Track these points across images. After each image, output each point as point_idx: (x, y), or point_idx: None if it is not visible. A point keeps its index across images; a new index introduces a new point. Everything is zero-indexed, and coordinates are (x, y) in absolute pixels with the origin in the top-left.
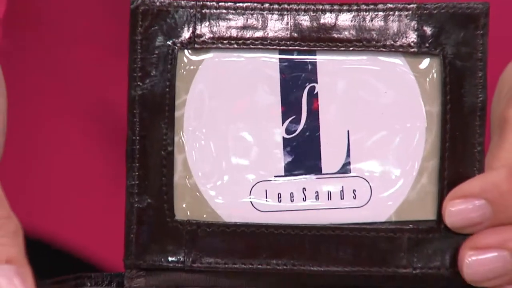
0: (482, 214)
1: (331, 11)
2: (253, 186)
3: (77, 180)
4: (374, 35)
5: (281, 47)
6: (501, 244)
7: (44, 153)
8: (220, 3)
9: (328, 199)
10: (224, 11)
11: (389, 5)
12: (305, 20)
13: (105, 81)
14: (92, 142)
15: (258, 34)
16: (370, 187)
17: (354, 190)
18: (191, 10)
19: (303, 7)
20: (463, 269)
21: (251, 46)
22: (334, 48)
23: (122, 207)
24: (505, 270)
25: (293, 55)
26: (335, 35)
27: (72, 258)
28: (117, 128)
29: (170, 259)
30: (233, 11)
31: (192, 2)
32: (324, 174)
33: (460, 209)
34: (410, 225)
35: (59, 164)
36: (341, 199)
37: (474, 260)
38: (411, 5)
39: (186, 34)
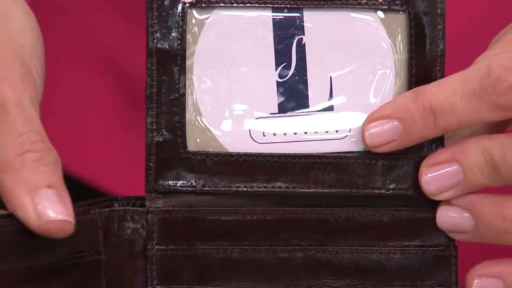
0: (394, 133)
1: None
2: (252, 122)
3: (92, 124)
4: None
5: (274, 5)
6: (451, 158)
7: (64, 99)
8: None
9: (315, 132)
10: None
11: None
12: None
13: (116, 40)
14: (105, 91)
15: None
16: (350, 122)
17: (336, 125)
18: None
19: None
20: (422, 186)
21: (248, 4)
22: (318, 6)
23: (133, 145)
24: (457, 181)
25: (283, 12)
26: None
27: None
28: (127, 79)
29: (183, 184)
30: None
31: None
32: (311, 111)
33: (375, 130)
34: (383, 154)
35: (77, 109)
36: (326, 132)
37: (430, 176)
38: None
39: None
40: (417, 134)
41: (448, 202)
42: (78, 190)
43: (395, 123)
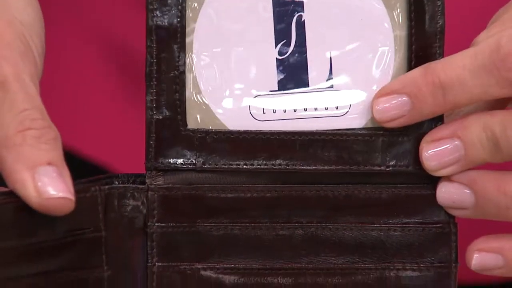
0: (403, 109)
1: None
2: (252, 100)
3: (93, 101)
4: None
5: None
6: (451, 134)
7: (65, 77)
8: None
9: (315, 109)
10: None
11: None
12: None
13: (117, 17)
14: (105, 68)
15: None
16: (349, 99)
17: (336, 101)
18: None
19: None
20: (423, 162)
21: None
22: None
23: (134, 123)
24: (458, 157)
25: None
26: None
27: (91, 169)
28: (127, 56)
29: (183, 161)
30: None
31: None
32: (311, 88)
33: (385, 106)
34: (383, 131)
35: (78, 86)
36: (325, 109)
37: (431, 152)
38: None
39: None
40: (427, 110)
41: (448, 178)
42: (79, 167)
43: (404, 98)
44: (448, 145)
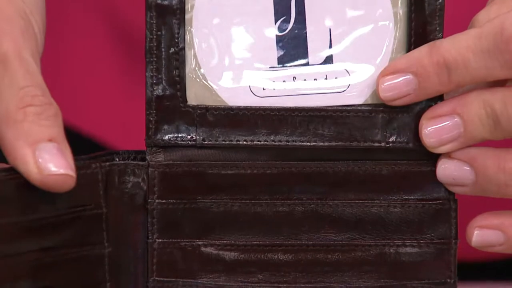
0: (408, 87)
1: None
2: (252, 76)
3: (94, 78)
4: None
5: None
6: (451, 111)
7: (66, 54)
8: None
9: (315, 86)
10: None
11: None
12: None
13: None
14: (107, 45)
15: None
16: (349, 75)
17: (336, 78)
18: None
19: None
20: (423, 138)
21: None
22: None
23: (134, 99)
24: (458, 134)
25: None
26: None
27: (95, 145)
28: (127, 32)
29: (183, 137)
30: None
31: None
32: (310, 65)
33: (390, 83)
34: (383, 107)
35: (79, 63)
36: (325, 86)
37: (430, 129)
38: None
39: None
40: (431, 89)
41: (448, 155)
42: (81, 145)
43: (410, 77)
44: (448, 122)
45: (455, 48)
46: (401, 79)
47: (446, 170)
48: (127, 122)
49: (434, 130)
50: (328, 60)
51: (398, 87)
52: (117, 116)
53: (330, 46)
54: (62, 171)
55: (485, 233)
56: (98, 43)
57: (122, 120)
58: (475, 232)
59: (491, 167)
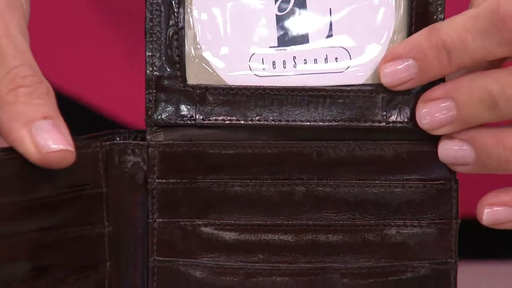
0: (410, 72)
1: None
2: (251, 56)
3: (96, 54)
4: None
5: None
6: (445, 94)
7: (72, 24)
8: None
9: (315, 65)
10: None
11: None
12: None
13: None
14: (108, 24)
15: None
16: (350, 55)
17: (336, 58)
18: None
19: None
20: (418, 120)
21: None
22: None
23: (135, 76)
24: (451, 118)
25: None
26: None
27: (98, 118)
28: (127, 12)
29: (183, 117)
30: None
31: None
32: (311, 44)
33: (392, 70)
34: (383, 87)
35: (82, 41)
36: (326, 65)
37: (424, 111)
38: None
39: None
40: (433, 72)
41: (449, 135)
42: (87, 118)
43: (411, 62)
44: (441, 105)
45: (453, 30)
46: (402, 65)
47: (447, 150)
48: (131, 96)
49: (428, 112)
50: (328, 39)
51: (399, 72)
52: (125, 90)
53: (331, 26)
54: (61, 147)
55: (495, 211)
56: (99, 22)
57: (130, 94)
58: (486, 210)
59: (491, 144)
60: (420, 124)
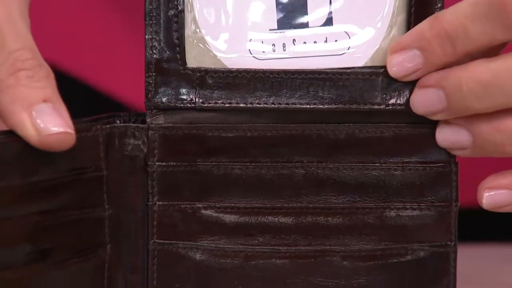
0: (416, 62)
1: None
2: (251, 38)
3: (100, 34)
4: None
5: None
6: (436, 83)
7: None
8: None
9: (314, 48)
10: None
11: None
12: None
13: None
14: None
15: None
16: (349, 38)
17: (335, 41)
18: None
19: None
20: (411, 103)
21: None
22: None
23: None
24: (442, 105)
25: None
26: None
27: (101, 99)
28: None
29: (183, 100)
30: None
31: None
32: (310, 27)
33: (398, 61)
34: (383, 69)
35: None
36: (325, 48)
37: (418, 96)
38: None
39: None
40: (438, 61)
41: (446, 121)
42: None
43: (416, 52)
44: (431, 90)
45: (454, 18)
46: (407, 56)
47: (445, 135)
48: (133, 73)
49: (420, 97)
50: (328, 22)
51: (405, 63)
52: (124, 73)
53: (330, 9)
54: (61, 129)
55: (495, 195)
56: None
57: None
58: (485, 194)
59: (487, 129)
60: (390, 72)
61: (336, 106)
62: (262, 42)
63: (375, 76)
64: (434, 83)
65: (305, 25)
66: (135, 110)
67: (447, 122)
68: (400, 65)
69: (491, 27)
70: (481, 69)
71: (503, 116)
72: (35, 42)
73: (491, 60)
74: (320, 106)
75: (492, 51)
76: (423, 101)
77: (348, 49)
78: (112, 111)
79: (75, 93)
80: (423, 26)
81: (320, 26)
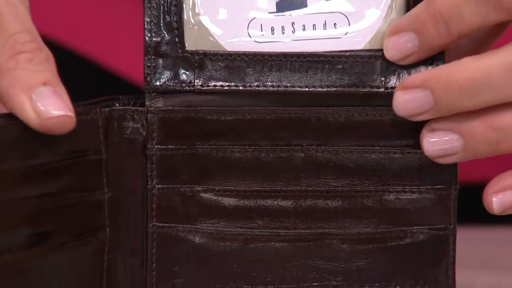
0: (412, 45)
1: None
2: (250, 21)
3: (98, 6)
4: None
5: None
6: (422, 83)
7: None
8: None
9: (314, 31)
10: None
11: None
12: None
13: None
14: None
15: None
16: (348, 21)
17: (335, 24)
18: None
19: None
20: (394, 106)
21: None
22: None
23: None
24: (429, 105)
25: None
26: None
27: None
28: None
29: (182, 83)
30: None
31: None
32: (310, 9)
33: (394, 43)
34: (382, 52)
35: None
36: (324, 31)
37: (401, 98)
38: None
39: None
40: (433, 43)
41: (430, 128)
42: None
43: (412, 35)
44: (417, 93)
45: None
46: (403, 38)
47: (434, 144)
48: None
49: (405, 100)
50: (328, 4)
51: (401, 45)
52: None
53: None
54: (62, 112)
55: (503, 197)
56: None
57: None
58: (494, 199)
59: (479, 128)
60: (387, 55)
61: (335, 89)
62: (261, 25)
63: (374, 59)
64: (419, 83)
65: (304, 8)
66: (133, 84)
67: (432, 130)
68: (395, 48)
69: (485, 8)
70: (471, 67)
71: (495, 113)
72: (33, 16)
73: (480, 57)
74: (319, 89)
75: (483, 45)
76: (409, 102)
77: (347, 32)
78: (110, 85)
79: (73, 66)
80: (419, 8)
81: (320, 8)
